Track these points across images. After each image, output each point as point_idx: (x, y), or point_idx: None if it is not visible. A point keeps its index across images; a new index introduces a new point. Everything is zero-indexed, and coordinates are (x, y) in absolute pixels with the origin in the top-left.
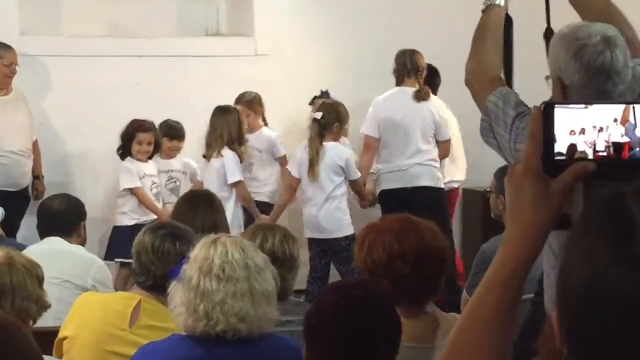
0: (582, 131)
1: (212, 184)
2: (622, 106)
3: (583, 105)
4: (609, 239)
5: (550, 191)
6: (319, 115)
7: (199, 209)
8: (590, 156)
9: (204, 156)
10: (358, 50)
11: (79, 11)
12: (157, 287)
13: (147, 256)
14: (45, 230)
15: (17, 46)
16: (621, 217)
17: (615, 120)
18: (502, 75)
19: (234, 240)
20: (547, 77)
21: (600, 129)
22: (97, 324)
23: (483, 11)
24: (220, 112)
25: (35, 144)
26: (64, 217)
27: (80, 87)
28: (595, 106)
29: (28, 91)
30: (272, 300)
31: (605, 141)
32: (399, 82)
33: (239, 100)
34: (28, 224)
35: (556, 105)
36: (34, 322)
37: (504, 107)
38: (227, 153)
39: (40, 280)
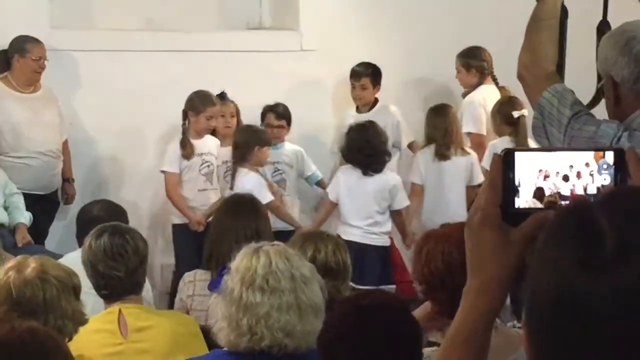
0: (549, 176)
1: None
2: (591, 153)
3: (547, 151)
4: (576, 249)
5: (510, 241)
6: None
7: (241, 216)
8: (560, 201)
9: None
10: (411, 46)
11: (113, 3)
12: (128, 289)
13: (105, 264)
14: (84, 237)
15: (46, 40)
16: (587, 227)
17: (587, 164)
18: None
19: (277, 249)
20: (599, 86)
21: (565, 177)
22: (94, 352)
23: (537, 0)
24: None
25: (65, 145)
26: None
27: (113, 84)
28: (560, 152)
29: (58, 88)
30: (320, 313)
31: (571, 190)
32: (482, 81)
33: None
34: (57, 229)
35: (516, 152)
36: (70, 339)
37: (559, 105)
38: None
39: (77, 291)
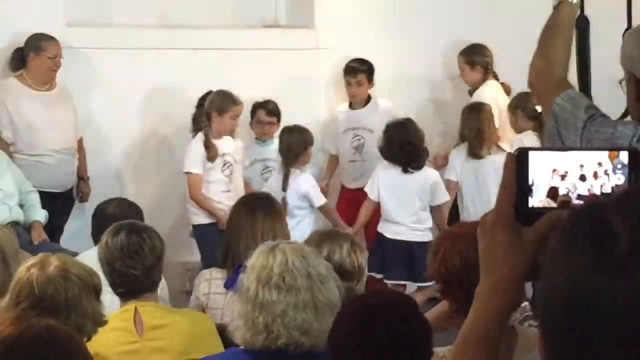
0: (564, 176)
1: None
2: (606, 152)
3: (561, 150)
4: (590, 248)
5: (523, 241)
6: None
7: (258, 214)
8: (575, 200)
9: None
10: (429, 46)
11: (128, 1)
12: (144, 287)
13: (122, 262)
14: (99, 235)
15: (62, 38)
16: (601, 227)
17: (600, 164)
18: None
19: (294, 247)
20: (620, 81)
21: (582, 177)
22: (110, 350)
23: (555, 7)
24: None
25: (80, 143)
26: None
27: (128, 82)
28: (574, 152)
29: (73, 86)
30: (336, 312)
31: (588, 189)
32: (486, 78)
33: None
34: (72, 227)
35: (530, 151)
36: (89, 339)
37: (573, 110)
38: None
39: (97, 291)
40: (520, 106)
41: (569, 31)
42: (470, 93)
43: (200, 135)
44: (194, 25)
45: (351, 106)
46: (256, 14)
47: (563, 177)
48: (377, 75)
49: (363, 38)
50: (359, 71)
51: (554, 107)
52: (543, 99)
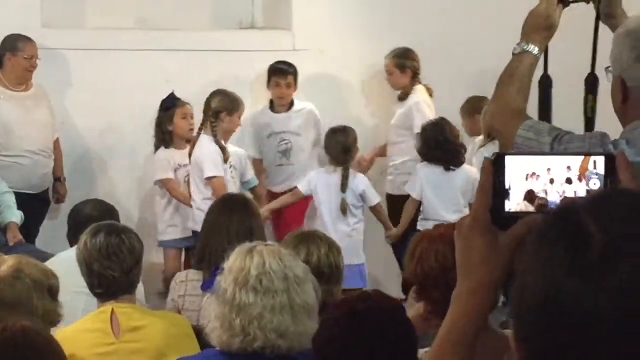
0: (540, 179)
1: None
2: (580, 158)
3: (537, 155)
4: (564, 251)
5: (500, 245)
6: None
7: (234, 215)
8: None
9: None
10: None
11: (105, 2)
12: (122, 289)
13: (100, 263)
14: (75, 237)
15: (38, 39)
16: (575, 229)
17: (569, 168)
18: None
19: (271, 249)
20: (607, 69)
21: (552, 180)
22: (86, 352)
23: (515, 54)
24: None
25: (56, 144)
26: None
27: (105, 83)
28: (550, 157)
29: (49, 87)
30: (313, 314)
31: (561, 193)
32: (415, 82)
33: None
34: (48, 229)
35: (507, 156)
36: None
37: (536, 137)
38: None
39: (53, 292)
40: (476, 109)
41: (526, 82)
42: (401, 98)
43: (208, 137)
44: (171, 27)
45: (273, 109)
46: (233, 15)
47: (539, 180)
48: (355, 77)
49: (341, 40)
50: (288, 73)
51: (517, 139)
52: (506, 136)
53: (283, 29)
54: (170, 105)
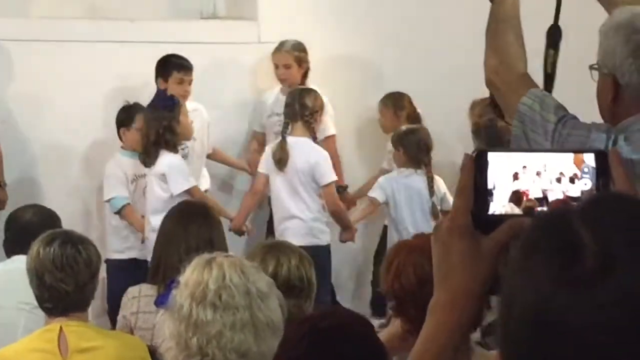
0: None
1: None
2: (571, 155)
3: (524, 151)
4: (554, 261)
5: (481, 250)
6: None
7: (192, 224)
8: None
9: None
10: (376, 40)
11: None
12: (74, 304)
13: (52, 275)
14: (13, 246)
15: None
16: (567, 238)
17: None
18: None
19: (232, 260)
20: (591, 67)
21: (540, 179)
22: None
23: (493, 1)
24: None
25: None
26: (37, 232)
27: (51, 77)
28: (538, 154)
29: None
30: (278, 332)
31: (547, 193)
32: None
33: None
34: None
35: (490, 152)
36: None
37: (541, 111)
38: None
39: None
40: (398, 106)
41: (517, 25)
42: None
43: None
44: (124, 17)
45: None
46: (193, 4)
47: (526, 179)
48: (322, 69)
49: (309, 31)
50: (191, 69)
51: (520, 106)
52: (507, 98)
53: (247, 19)
54: (171, 103)
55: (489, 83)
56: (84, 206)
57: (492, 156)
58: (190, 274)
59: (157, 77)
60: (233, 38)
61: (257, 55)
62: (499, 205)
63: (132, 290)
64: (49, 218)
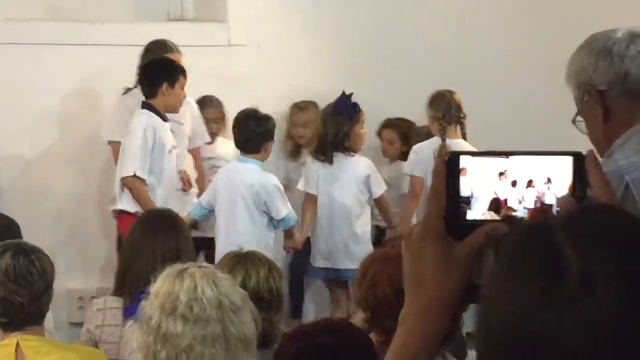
0: (513, 183)
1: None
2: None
3: (500, 155)
4: (537, 277)
5: (455, 256)
6: None
7: (159, 233)
8: (521, 213)
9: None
10: (346, 42)
11: None
12: (30, 318)
13: (5, 287)
14: None
15: None
16: (549, 252)
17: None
18: None
19: (204, 271)
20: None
21: (515, 184)
22: None
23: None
24: None
25: None
26: None
27: (10, 80)
28: (516, 157)
29: None
30: (250, 347)
31: (537, 197)
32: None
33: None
34: None
35: (462, 155)
36: None
37: None
38: None
39: None
40: None
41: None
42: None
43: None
44: (89, 19)
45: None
46: (160, 6)
47: (505, 185)
48: (294, 75)
49: (280, 34)
50: None
51: None
52: None
53: (217, 22)
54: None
55: None
56: (44, 212)
57: (471, 162)
58: (161, 285)
59: (159, 83)
60: (202, 41)
61: (226, 58)
62: (479, 212)
63: (97, 302)
64: (6, 225)
